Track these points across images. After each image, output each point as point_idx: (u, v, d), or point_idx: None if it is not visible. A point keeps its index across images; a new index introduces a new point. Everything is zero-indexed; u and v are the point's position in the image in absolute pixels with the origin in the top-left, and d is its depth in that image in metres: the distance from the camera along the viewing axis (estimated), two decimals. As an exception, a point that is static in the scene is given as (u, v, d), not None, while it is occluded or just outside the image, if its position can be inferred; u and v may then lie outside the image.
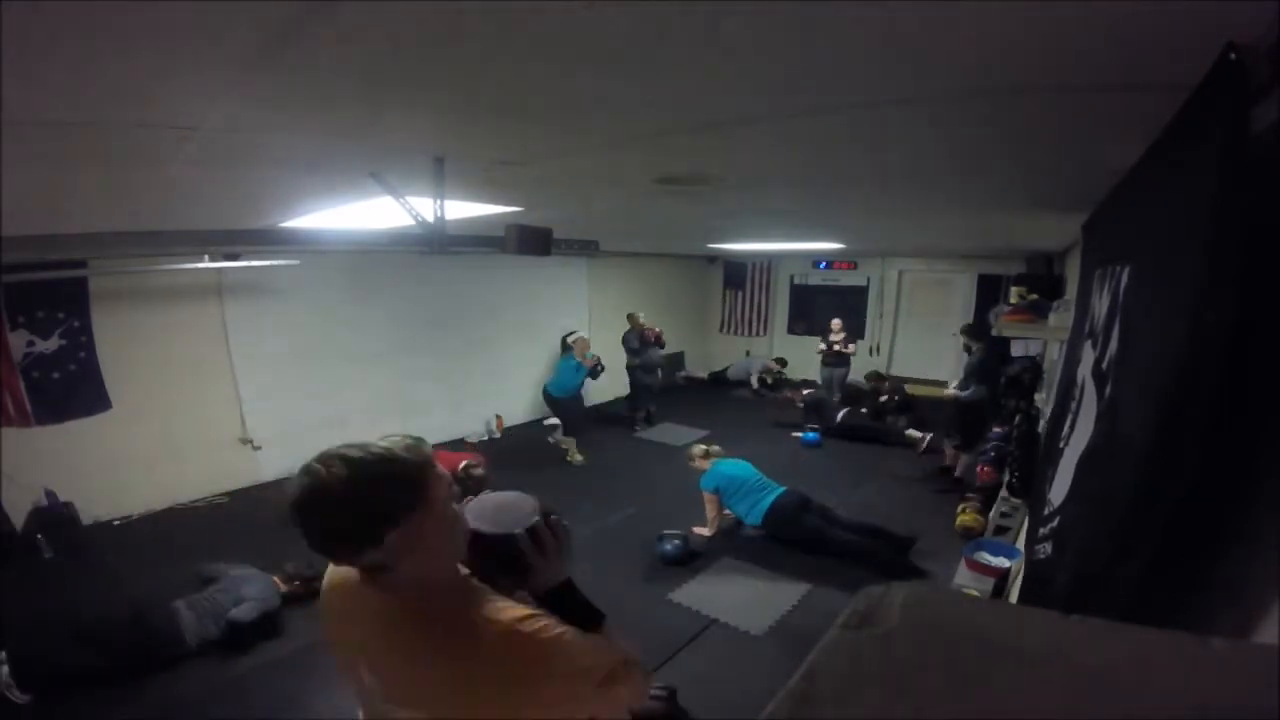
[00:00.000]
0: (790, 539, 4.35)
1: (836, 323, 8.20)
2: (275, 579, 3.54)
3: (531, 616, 0.91)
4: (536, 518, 1.01)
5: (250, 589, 3.38)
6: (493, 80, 1.23)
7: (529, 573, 0.99)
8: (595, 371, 6.68)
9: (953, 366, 9.20)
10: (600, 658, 0.95)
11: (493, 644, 0.88)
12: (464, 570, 1.01)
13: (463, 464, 4.80)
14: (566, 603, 1.01)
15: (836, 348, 8.06)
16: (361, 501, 0.86)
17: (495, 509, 1.04)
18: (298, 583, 3.57)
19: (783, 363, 10.15)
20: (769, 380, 9.84)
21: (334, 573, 1.03)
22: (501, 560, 0.99)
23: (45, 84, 1.11)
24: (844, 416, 7.26)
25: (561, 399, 6.53)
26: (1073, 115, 1.42)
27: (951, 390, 5.87)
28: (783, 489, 4.51)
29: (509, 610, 0.91)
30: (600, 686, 0.94)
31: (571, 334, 6.68)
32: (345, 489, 0.85)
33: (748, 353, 10.64)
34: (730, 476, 4.60)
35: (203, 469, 5.34)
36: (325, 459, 0.88)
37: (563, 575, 1.03)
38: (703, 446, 4.93)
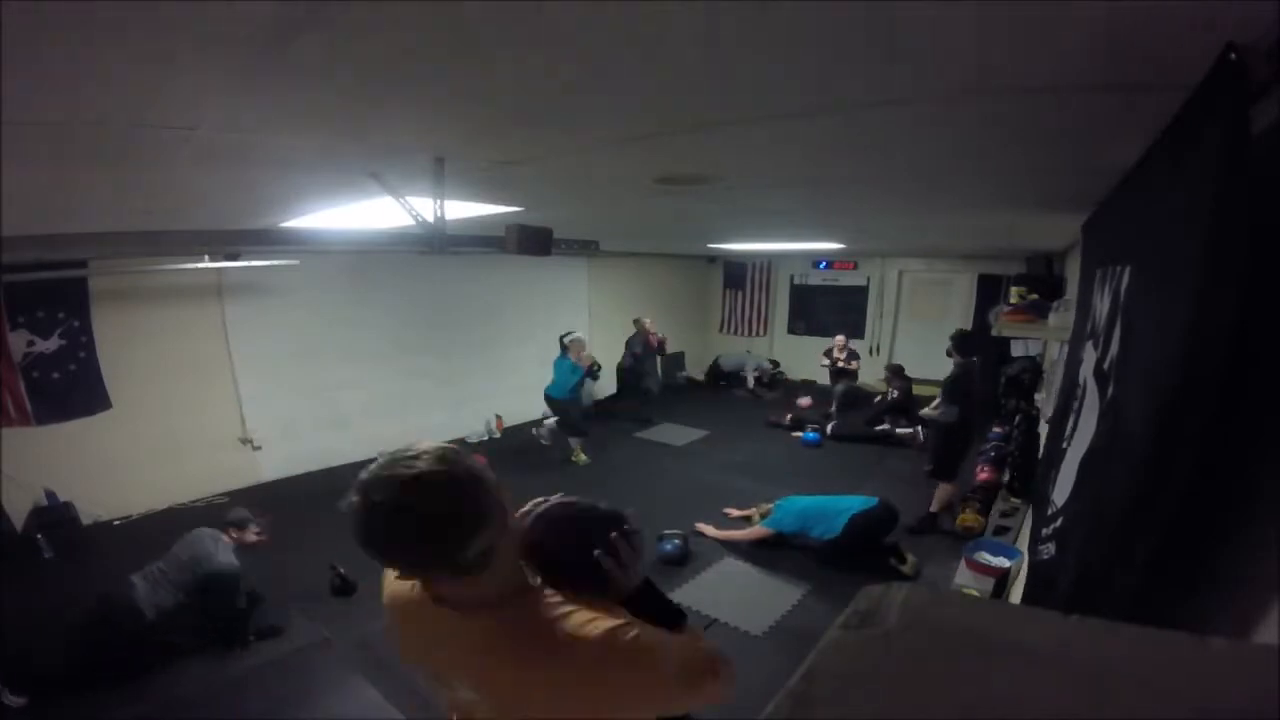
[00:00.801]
0: (861, 549, 4.12)
1: (840, 339, 8.19)
2: (223, 536, 3.38)
3: (623, 625, 0.90)
4: (613, 534, 0.99)
5: (200, 549, 3.23)
6: (492, 80, 1.23)
7: (608, 585, 0.99)
8: (593, 372, 6.65)
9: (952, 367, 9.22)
10: (693, 656, 0.98)
11: (593, 656, 0.87)
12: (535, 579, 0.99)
13: None
14: (647, 604, 1.00)
15: (840, 364, 8.02)
16: (454, 509, 0.84)
17: (559, 521, 1.02)
18: (254, 529, 3.49)
19: (775, 365, 10.16)
20: (765, 380, 9.85)
21: (399, 593, 0.99)
22: (581, 579, 0.98)
23: (45, 84, 1.11)
24: (834, 429, 7.25)
25: (561, 400, 6.50)
26: (1073, 115, 1.42)
27: (927, 411, 5.26)
28: (874, 500, 4.30)
29: (598, 621, 0.90)
30: (696, 683, 0.96)
31: (568, 334, 6.66)
32: (438, 497, 0.83)
33: (748, 351, 10.65)
34: (803, 512, 4.35)
35: (203, 469, 5.34)
36: (391, 482, 0.83)
37: (638, 581, 1.02)
38: (756, 511, 4.67)
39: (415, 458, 0.84)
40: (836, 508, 4.25)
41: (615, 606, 0.95)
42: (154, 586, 3.11)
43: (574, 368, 6.38)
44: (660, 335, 7.81)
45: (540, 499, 1.05)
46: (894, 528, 4.26)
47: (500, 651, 0.90)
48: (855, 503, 4.27)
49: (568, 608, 0.92)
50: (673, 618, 1.02)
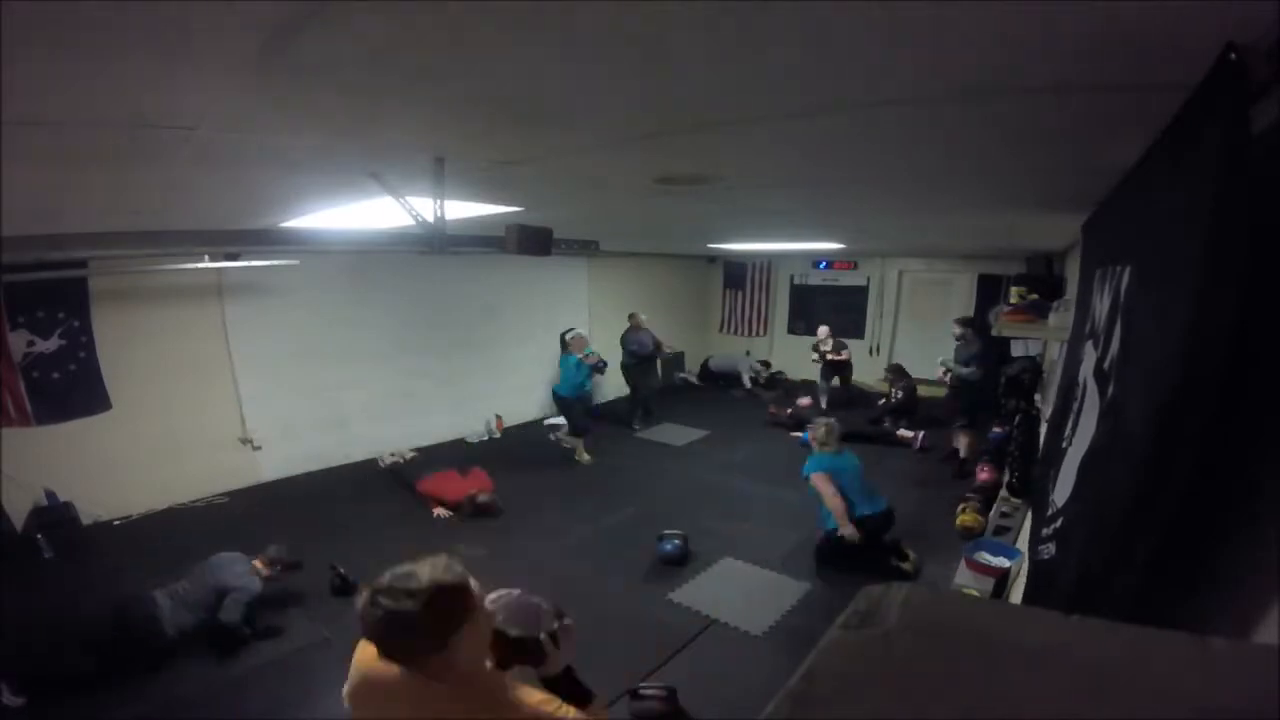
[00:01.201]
0: (860, 548, 4.01)
1: (823, 330, 8.20)
2: (255, 563, 3.43)
3: (549, 700, 1.19)
4: (556, 623, 1.26)
5: (228, 574, 3.26)
6: (492, 80, 1.23)
7: (543, 663, 1.25)
8: (599, 367, 6.56)
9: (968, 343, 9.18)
10: None
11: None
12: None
13: (469, 493, 5.00)
14: (566, 683, 1.27)
15: (829, 356, 8.01)
16: (434, 621, 1.09)
17: (517, 611, 1.29)
18: (279, 568, 3.50)
19: (767, 365, 10.19)
20: (761, 380, 9.85)
21: (369, 664, 1.21)
22: (524, 655, 1.24)
23: (45, 84, 1.11)
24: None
25: (568, 398, 6.46)
26: (1073, 115, 1.42)
27: (951, 368, 6.10)
28: (885, 502, 4.19)
29: (534, 694, 1.19)
30: None
31: (569, 331, 6.63)
32: (420, 615, 1.08)
33: (748, 352, 10.66)
34: (856, 473, 4.17)
35: (203, 469, 5.34)
36: (397, 593, 1.09)
37: (567, 663, 1.28)
38: (823, 426, 4.34)
39: (412, 575, 1.10)
40: (875, 495, 4.15)
41: (542, 688, 1.24)
42: (175, 607, 3.13)
43: (579, 364, 6.37)
44: (659, 340, 7.75)
45: (504, 591, 1.32)
46: (890, 529, 4.23)
47: (454, 710, 1.12)
48: (879, 502, 4.17)
49: (512, 683, 1.20)
50: (584, 695, 1.27)
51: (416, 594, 1.08)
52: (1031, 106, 1.35)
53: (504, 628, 1.23)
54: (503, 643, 1.23)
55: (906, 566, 4.08)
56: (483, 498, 4.95)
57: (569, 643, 1.28)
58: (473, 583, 1.16)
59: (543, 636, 1.24)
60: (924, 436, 6.67)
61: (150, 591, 3.14)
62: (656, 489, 5.70)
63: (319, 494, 5.52)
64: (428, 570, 1.12)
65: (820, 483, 4.05)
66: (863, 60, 1.11)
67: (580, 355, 6.37)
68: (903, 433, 6.87)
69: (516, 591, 1.33)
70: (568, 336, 6.52)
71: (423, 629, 1.08)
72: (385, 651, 1.15)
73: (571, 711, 1.19)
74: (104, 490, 4.75)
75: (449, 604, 1.11)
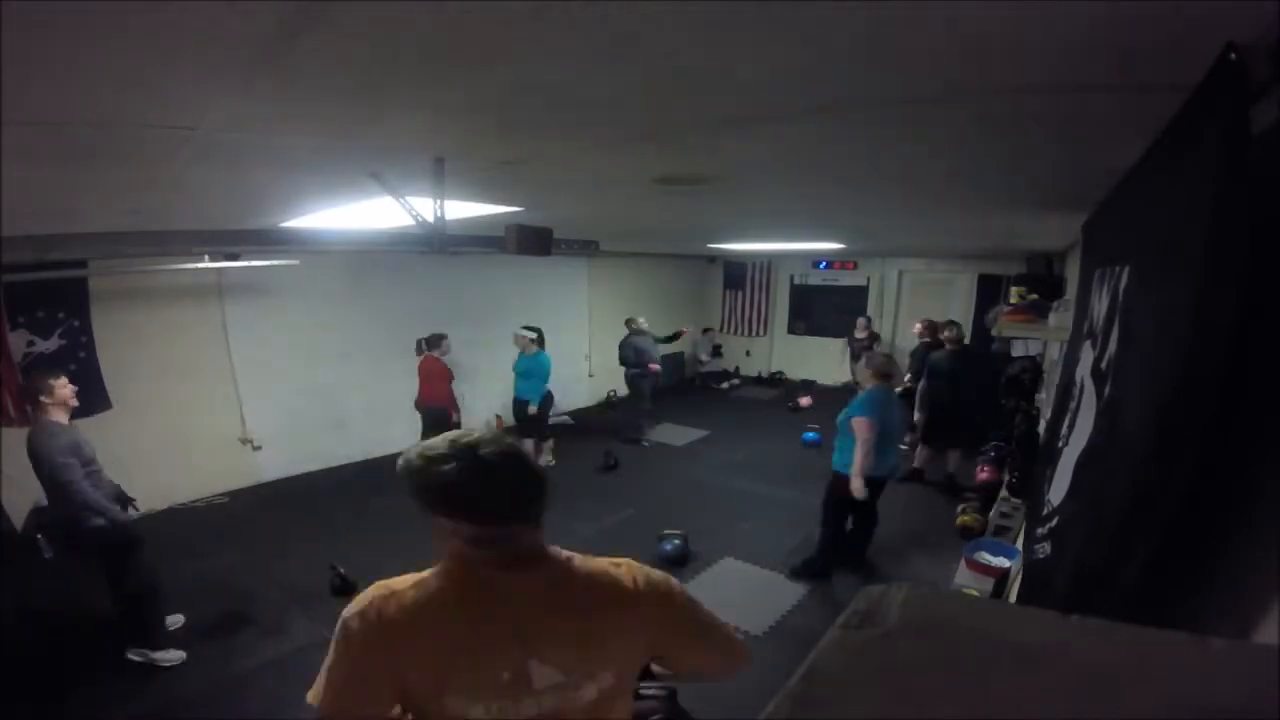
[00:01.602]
0: (865, 504, 3.89)
1: (860, 321, 8.41)
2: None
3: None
4: None
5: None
6: (493, 80, 1.23)
7: None
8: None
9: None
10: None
11: (650, 578, 1.13)
12: None
13: None
14: None
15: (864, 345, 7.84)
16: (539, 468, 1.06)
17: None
18: None
19: (718, 350, 10.75)
20: (718, 352, 10.66)
21: (411, 602, 0.99)
22: None
23: (46, 84, 1.11)
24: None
25: (526, 401, 6.22)
26: (1073, 115, 1.42)
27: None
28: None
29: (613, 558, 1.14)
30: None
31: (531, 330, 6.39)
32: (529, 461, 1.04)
33: (748, 353, 10.72)
34: (888, 426, 3.80)
35: (203, 469, 5.34)
36: (507, 445, 1.02)
37: None
38: (879, 360, 4.01)
39: (486, 438, 1.02)
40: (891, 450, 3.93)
41: None
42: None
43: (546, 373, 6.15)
44: (655, 365, 7.26)
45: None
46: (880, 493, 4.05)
47: (579, 583, 1.05)
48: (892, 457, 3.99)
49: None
50: None
51: (518, 451, 1.03)
52: (1031, 107, 1.35)
53: None
54: None
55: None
56: None
57: None
58: None
59: None
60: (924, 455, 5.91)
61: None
62: (657, 489, 5.71)
63: (319, 494, 5.52)
64: (490, 433, 1.05)
65: (862, 428, 3.66)
66: (862, 60, 1.11)
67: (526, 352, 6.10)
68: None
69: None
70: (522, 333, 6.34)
71: (542, 481, 1.04)
72: (531, 510, 1.02)
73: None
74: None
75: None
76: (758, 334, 10.83)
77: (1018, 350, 6.08)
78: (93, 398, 4.67)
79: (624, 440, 7.08)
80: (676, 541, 4.29)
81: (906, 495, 5.46)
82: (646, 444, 7.21)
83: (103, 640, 3.12)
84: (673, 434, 7.48)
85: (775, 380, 10.19)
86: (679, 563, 4.21)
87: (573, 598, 1.03)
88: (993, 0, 0.86)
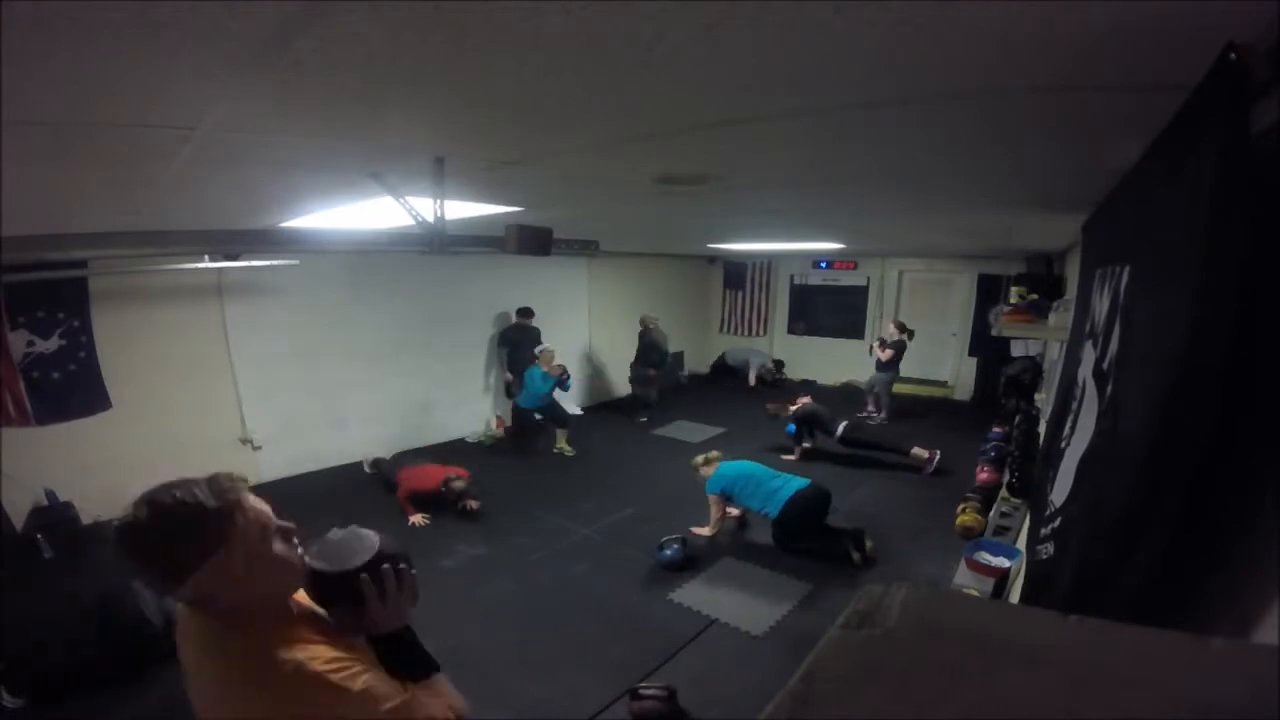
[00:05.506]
0: (802, 529, 4.30)
1: (890, 327, 7.95)
2: None
3: (334, 660, 0.94)
4: (371, 556, 1.04)
5: None
6: (493, 80, 1.23)
7: (364, 613, 1.02)
8: (563, 382, 6.53)
9: (953, 366, 9.22)
10: (398, 710, 0.95)
11: (281, 680, 0.90)
12: (307, 606, 1.05)
13: (444, 477, 5.01)
14: (400, 649, 1.05)
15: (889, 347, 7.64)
16: (161, 547, 0.92)
17: (337, 547, 1.08)
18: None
19: (780, 365, 10.18)
20: (768, 380, 9.84)
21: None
22: (338, 598, 1.03)
23: (46, 84, 1.11)
24: (845, 430, 6.35)
25: (531, 410, 6.55)
26: (1073, 115, 1.42)
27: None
28: (807, 480, 4.43)
29: (310, 650, 0.94)
30: None
31: (538, 347, 6.71)
32: (148, 535, 0.91)
33: (759, 351, 10.71)
34: (737, 476, 4.54)
35: (203, 469, 5.25)
36: (139, 501, 0.92)
37: (401, 621, 1.06)
38: (702, 456, 4.87)
39: (146, 499, 0.93)
40: (772, 485, 4.37)
41: (360, 645, 1.02)
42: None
43: (545, 377, 6.41)
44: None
45: (338, 529, 1.12)
46: (827, 509, 4.38)
47: (213, 654, 0.95)
48: (792, 483, 4.37)
49: (299, 635, 0.96)
50: (420, 666, 1.05)
51: (154, 508, 0.92)
52: (1031, 107, 1.35)
53: (311, 561, 1.04)
54: (311, 580, 1.04)
55: (855, 557, 4.17)
56: (457, 483, 4.97)
57: (405, 594, 1.06)
58: (253, 509, 1.01)
59: (363, 577, 1.01)
60: (937, 457, 5.95)
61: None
62: (658, 487, 5.70)
63: (319, 494, 5.52)
64: (192, 486, 0.96)
65: (713, 503, 4.57)
66: (862, 60, 1.11)
67: (547, 368, 6.42)
68: (916, 451, 6.02)
69: (354, 527, 1.13)
70: (536, 351, 6.61)
71: (150, 553, 0.92)
72: (135, 573, 0.96)
73: (361, 680, 0.93)
74: (104, 490, 4.73)
75: (185, 527, 0.92)
76: (758, 334, 10.82)
77: (1017, 350, 6.08)
78: (93, 398, 4.68)
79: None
80: (676, 546, 4.25)
81: (907, 495, 5.46)
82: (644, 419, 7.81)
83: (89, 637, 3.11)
84: (685, 430, 7.53)
85: (776, 381, 10.18)
86: (680, 567, 4.18)
87: (213, 653, 0.98)
88: (993, 1, 0.86)
